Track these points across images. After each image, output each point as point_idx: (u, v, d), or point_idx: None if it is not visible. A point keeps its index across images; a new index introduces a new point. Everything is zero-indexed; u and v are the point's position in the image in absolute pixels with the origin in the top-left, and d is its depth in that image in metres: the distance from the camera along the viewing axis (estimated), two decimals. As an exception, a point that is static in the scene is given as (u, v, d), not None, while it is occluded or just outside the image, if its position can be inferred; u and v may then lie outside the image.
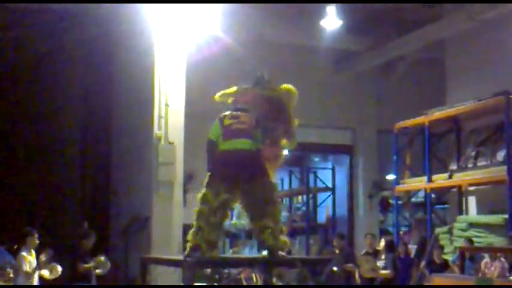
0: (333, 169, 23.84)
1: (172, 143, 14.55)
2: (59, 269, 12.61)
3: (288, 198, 30.90)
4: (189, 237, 7.68)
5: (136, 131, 15.89)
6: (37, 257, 12.54)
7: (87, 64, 17.21)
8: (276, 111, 8.53)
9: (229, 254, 19.15)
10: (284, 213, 30.01)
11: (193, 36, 14.91)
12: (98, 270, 13.20)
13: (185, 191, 16.82)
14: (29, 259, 12.30)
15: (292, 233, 26.22)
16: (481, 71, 17.87)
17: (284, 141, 8.64)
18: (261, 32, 18.52)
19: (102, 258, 13.25)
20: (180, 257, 7.76)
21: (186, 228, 15.25)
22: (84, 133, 17.57)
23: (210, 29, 15.19)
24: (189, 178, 18.28)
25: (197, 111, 17.42)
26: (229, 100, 8.72)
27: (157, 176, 14.48)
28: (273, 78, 9.01)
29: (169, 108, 14.63)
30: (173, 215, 14.56)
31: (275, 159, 8.67)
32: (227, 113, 8.19)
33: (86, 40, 16.63)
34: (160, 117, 14.57)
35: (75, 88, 17.46)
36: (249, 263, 9.10)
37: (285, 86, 8.69)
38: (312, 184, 23.94)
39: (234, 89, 8.88)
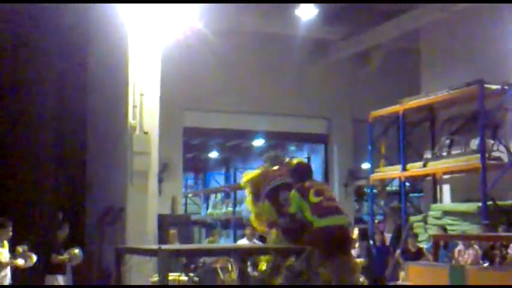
0: (308, 158, 23.91)
1: (147, 133, 14.48)
2: (34, 257, 12.54)
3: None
4: None
5: (111, 121, 15.80)
6: (10, 249, 12.44)
7: (60, 53, 17.04)
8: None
9: (205, 243, 19.17)
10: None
11: (169, 25, 14.84)
12: (72, 262, 13.16)
13: (160, 181, 16.82)
14: (1, 250, 12.20)
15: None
16: (455, 60, 17.97)
17: None
18: (236, 21, 18.49)
19: (76, 250, 13.19)
20: (155, 247, 7.74)
21: (160, 218, 15.29)
22: (58, 123, 17.41)
23: (186, 18, 15.13)
24: (164, 167, 18.29)
25: (172, 100, 17.42)
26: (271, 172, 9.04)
27: (132, 165, 14.40)
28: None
29: (144, 97, 14.55)
30: (148, 205, 14.50)
31: None
32: (307, 185, 8.43)
33: (59, 30, 16.49)
34: (134, 106, 14.49)
35: (49, 78, 17.30)
36: (224, 252, 9.10)
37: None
38: (287, 173, 23.91)
39: (257, 171, 9.51)
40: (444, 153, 17.82)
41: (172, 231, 14.51)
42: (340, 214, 8.36)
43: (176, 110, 19.02)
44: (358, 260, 13.13)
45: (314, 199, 8.30)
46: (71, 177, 17.27)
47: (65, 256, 13.01)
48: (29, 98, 16.94)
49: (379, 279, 14.26)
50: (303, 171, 8.86)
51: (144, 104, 14.58)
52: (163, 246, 7.35)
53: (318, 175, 23.31)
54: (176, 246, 10.36)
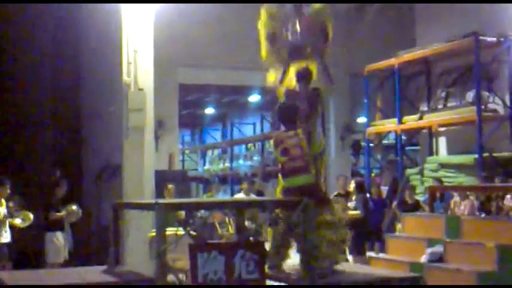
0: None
1: (142, 89, 14.45)
2: (31, 216, 12.61)
3: (260, 143, 31.06)
4: None
5: (106, 78, 15.77)
6: (7, 206, 12.51)
7: (53, 12, 16.96)
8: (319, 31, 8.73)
9: (203, 198, 19.27)
10: (256, 157, 30.24)
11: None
12: (69, 219, 13.25)
13: (157, 137, 16.83)
14: (-1, 208, 12.26)
15: (266, 177, 26.42)
16: (450, 13, 17.87)
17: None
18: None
19: (74, 207, 13.27)
20: (151, 201, 7.77)
21: (157, 174, 15.33)
22: (53, 81, 17.39)
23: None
24: (160, 124, 18.28)
25: (166, 56, 17.34)
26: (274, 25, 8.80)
27: (127, 122, 14.40)
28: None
29: (138, 54, 14.48)
30: (145, 161, 14.52)
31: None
32: (279, 139, 8.21)
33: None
34: (129, 63, 14.43)
35: (43, 37, 17.23)
36: (221, 206, 9.13)
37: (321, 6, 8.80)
38: (284, 127, 23.95)
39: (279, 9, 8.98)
40: (440, 106, 17.85)
41: (170, 186, 14.56)
42: (303, 174, 8.18)
43: (171, 66, 18.93)
44: (354, 212, 13.20)
45: (280, 158, 8.24)
46: (67, 135, 17.30)
47: (63, 213, 13.08)
48: (25, 59, 16.89)
49: (374, 231, 14.34)
50: (279, 115, 8.70)
51: (138, 60, 14.51)
52: (160, 201, 7.37)
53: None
54: (172, 200, 10.40)
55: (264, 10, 9.10)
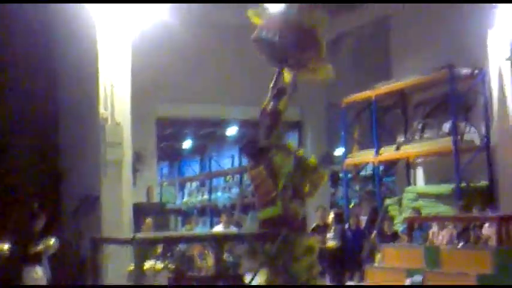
0: (283, 145, 23.89)
1: (119, 123, 14.44)
2: (5, 247, 12.48)
3: (238, 175, 31.04)
4: None
5: (83, 112, 15.74)
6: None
7: (29, 44, 16.95)
8: (305, 39, 8.67)
9: (182, 232, 19.18)
10: (235, 189, 30.21)
11: (138, 15, 14.78)
12: (47, 252, 13.12)
13: (135, 170, 16.78)
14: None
15: (244, 209, 26.37)
16: (425, 45, 18.03)
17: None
18: (206, 11, 18.45)
19: (52, 240, 13.15)
20: (129, 236, 7.75)
21: (136, 207, 15.28)
22: (30, 115, 17.32)
23: (155, 9, 15.10)
24: (138, 157, 18.23)
25: (144, 90, 17.36)
26: (257, 21, 8.86)
27: (105, 156, 14.37)
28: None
29: (115, 88, 14.49)
30: (123, 195, 14.48)
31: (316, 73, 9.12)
32: (251, 176, 8.30)
33: (26, 20, 16.37)
34: (106, 97, 14.43)
35: (19, 69, 17.19)
36: (200, 239, 9.12)
37: (313, 12, 8.80)
38: (262, 160, 23.94)
39: (265, 12, 9.35)
40: (417, 137, 17.96)
41: (148, 220, 14.50)
42: (270, 206, 8.20)
43: (148, 100, 18.95)
44: (332, 243, 13.24)
45: (254, 194, 8.40)
46: (45, 168, 17.20)
47: (41, 246, 12.96)
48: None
49: (354, 261, 14.37)
50: (244, 151, 8.85)
51: (116, 94, 14.52)
52: (138, 235, 7.36)
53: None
54: (150, 234, 10.37)
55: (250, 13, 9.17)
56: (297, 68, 9.03)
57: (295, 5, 9.08)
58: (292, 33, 8.89)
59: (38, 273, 12.89)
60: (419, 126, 18.04)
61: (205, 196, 32.35)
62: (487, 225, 13.53)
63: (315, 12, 9.09)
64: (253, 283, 7.75)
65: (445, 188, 16.35)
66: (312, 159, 8.96)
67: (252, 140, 8.77)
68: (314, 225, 13.61)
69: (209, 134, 31.50)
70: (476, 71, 16.25)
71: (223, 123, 26.34)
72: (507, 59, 15.98)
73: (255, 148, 8.59)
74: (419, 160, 18.38)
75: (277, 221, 7.82)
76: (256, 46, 9.20)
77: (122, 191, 14.47)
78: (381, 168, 19.71)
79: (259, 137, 8.67)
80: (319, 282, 8.43)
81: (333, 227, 14.05)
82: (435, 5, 17.36)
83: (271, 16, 9.12)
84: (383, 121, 19.10)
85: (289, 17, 8.97)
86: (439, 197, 16.47)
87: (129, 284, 10.40)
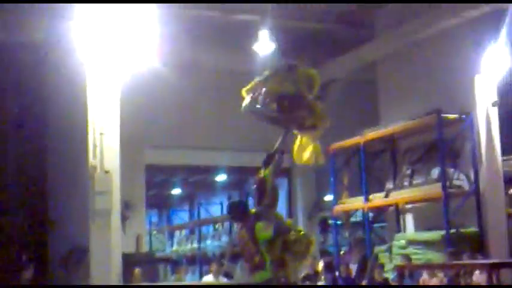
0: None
1: (108, 172, 14.39)
2: None
3: (228, 222, 30.87)
4: None
5: (71, 161, 15.70)
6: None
7: (18, 93, 16.97)
8: (296, 102, 9.07)
9: (171, 281, 19.01)
10: (224, 238, 30.01)
11: (127, 62, 14.81)
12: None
13: (124, 219, 16.68)
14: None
15: (234, 258, 26.16)
16: (413, 90, 18.14)
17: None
18: (195, 57, 18.54)
19: (40, 291, 13.03)
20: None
21: (125, 257, 15.15)
22: (18, 165, 17.26)
23: (145, 55, 15.13)
24: (126, 205, 18.15)
25: (132, 138, 17.35)
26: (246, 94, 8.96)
27: (94, 205, 14.29)
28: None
29: (104, 136, 14.47)
30: (112, 244, 14.36)
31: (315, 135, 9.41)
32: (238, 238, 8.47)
33: (17, 68, 16.41)
34: (95, 146, 14.40)
35: (8, 117, 17.18)
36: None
37: (302, 73, 8.91)
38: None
39: (252, 83, 9.55)
40: (406, 183, 17.95)
41: (136, 271, 14.37)
42: (259, 271, 8.23)
43: (137, 147, 18.94)
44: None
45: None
46: (34, 217, 17.10)
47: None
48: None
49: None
50: (230, 213, 8.92)
51: (104, 143, 14.48)
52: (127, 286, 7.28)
53: (282, 209, 23.32)
54: (139, 285, 10.27)
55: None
56: (297, 128, 9.18)
57: (280, 69, 9.27)
58: (276, 100, 9.04)
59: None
60: (408, 172, 18.04)
61: (195, 244, 32.12)
62: (477, 272, 13.48)
63: (303, 70, 9.25)
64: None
65: (435, 235, 16.30)
66: (299, 231, 8.94)
67: (236, 202, 8.88)
68: (304, 273, 13.50)
69: (198, 181, 31.44)
70: (463, 116, 16.33)
71: (212, 170, 26.31)
72: (493, 105, 16.11)
73: (239, 211, 8.64)
74: (408, 206, 18.35)
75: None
76: (252, 116, 9.38)
77: (111, 240, 14.35)
78: (371, 214, 19.66)
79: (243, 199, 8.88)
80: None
81: (323, 276, 13.93)
82: (422, 51, 17.50)
83: (255, 86, 9.28)
84: (372, 167, 19.09)
85: (269, 84, 9.13)
86: (428, 244, 16.41)
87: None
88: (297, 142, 9.52)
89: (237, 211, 8.72)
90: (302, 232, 9.07)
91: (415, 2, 16.95)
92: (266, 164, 9.05)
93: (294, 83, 9.08)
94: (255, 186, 9.10)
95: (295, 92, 9.04)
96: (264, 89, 9.13)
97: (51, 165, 17.32)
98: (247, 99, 9.31)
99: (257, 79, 9.41)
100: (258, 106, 9.15)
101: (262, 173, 9.05)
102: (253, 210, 8.84)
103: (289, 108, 9.02)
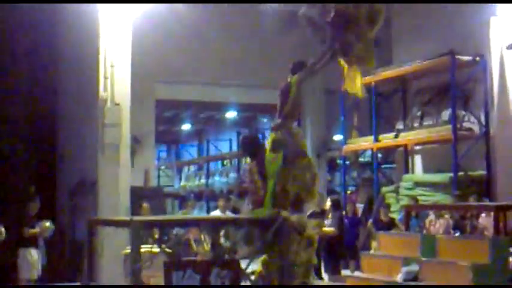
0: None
1: (118, 104, 14.37)
2: (2, 230, 12.45)
3: (236, 159, 31.02)
4: None
5: (82, 93, 15.68)
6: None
7: (31, 26, 16.89)
8: (351, 24, 8.91)
9: (179, 215, 19.14)
10: (232, 174, 30.19)
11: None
12: (43, 235, 13.10)
13: (132, 153, 16.71)
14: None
15: (241, 194, 26.31)
16: (426, 32, 17.94)
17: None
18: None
19: (48, 223, 13.11)
20: (126, 218, 7.72)
21: (133, 191, 15.24)
22: (29, 96, 17.28)
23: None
24: (136, 140, 18.18)
25: (143, 72, 17.29)
26: None
27: (103, 138, 14.31)
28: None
29: (115, 68, 14.41)
30: (120, 178, 14.43)
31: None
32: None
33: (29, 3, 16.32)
34: (105, 78, 14.35)
35: (20, 51, 17.14)
36: (196, 223, 9.09)
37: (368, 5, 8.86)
38: (260, 144, 23.93)
39: None
40: (416, 124, 17.92)
41: (145, 204, 14.45)
42: (258, 208, 8.26)
43: (148, 82, 18.88)
44: (329, 229, 13.21)
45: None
46: (42, 150, 17.18)
47: (37, 229, 12.94)
48: (0, 73, 16.80)
49: (349, 248, 14.35)
50: (242, 148, 8.88)
51: (115, 75, 14.45)
52: (135, 218, 7.34)
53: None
54: (148, 217, 10.33)
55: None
56: (341, 52, 9.02)
57: None
58: (335, 17, 8.89)
59: (33, 255, 12.90)
60: (419, 114, 17.99)
61: (203, 180, 32.34)
62: (483, 214, 13.53)
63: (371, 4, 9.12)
64: (249, 269, 7.74)
65: (442, 177, 16.33)
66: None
67: (249, 136, 8.82)
68: (311, 211, 13.52)
69: (208, 117, 31.47)
70: (477, 59, 16.18)
71: (222, 106, 26.30)
72: (508, 48, 15.93)
73: (252, 145, 8.61)
74: (417, 148, 18.34)
75: (268, 222, 7.84)
76: (303, 22, 9.24)
77: (120, 174, 14.42)
78: (379, 155, 19.67)
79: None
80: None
81: (330, 214, 13.99)
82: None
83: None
84: (382, 108, 19.04)
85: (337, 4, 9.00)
86: (436, 186, 16.45)
87: (125, 268, 10.39)
88: (345, 71, 9.37)
89: (249, 145, 8.69)
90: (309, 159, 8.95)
91: None
92: (293, 71, 8.94)
93: (356, 8, 8.96)
94: (279, 93, 8.97)
95: (353, 14, 8.91)
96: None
97: (61, 96, 17.34)
98: (306, 7, 9.16)
99: None
100: (314, 12, 9.01)
101: (289, 78, 8.94)
102: (273, 124, 8.80)
103: (342, 27, 8.89)
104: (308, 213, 12.85)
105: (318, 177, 8.93)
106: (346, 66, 9.32)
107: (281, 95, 8.88)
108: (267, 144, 8.80)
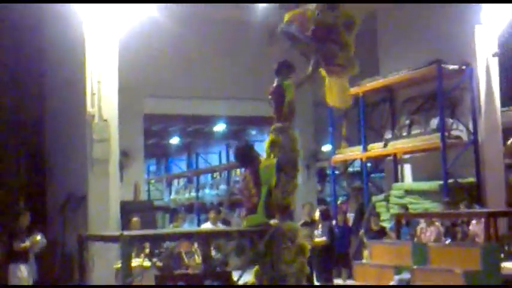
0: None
1: (106, 120, 14.37)
2: (38, 238, 12.42)
3: (226, 172, 31.02)
4: None
5: (70, 108, 15.66)
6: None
7: (16, 42, 16.88)
8: (331, 34, 9.07)
9: (169, 229, 19.11)
10: (222, 186, 30.19)
11: (126, 11, 14.71)
12: (34, 249, 13.03)
13: (122, 168, 16.71)
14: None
15: (232, 206, 26.34)
16: (413, 41, 18.02)
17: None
18: (194, 6, 18.37)
19: (38, 236, 13.05)
20: (116, 233, 7.70)
21: (123, 205, 15.22)
22: (17, 112, 17.26)
23: (144, 5, 15.04)
24: (125, 154, 18.16)
25: (131, 87, 17.28)
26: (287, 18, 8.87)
27: (92, 153, 14.31)
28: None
29: (102, 84, 14.41)
30: (110, 192, 14.43)
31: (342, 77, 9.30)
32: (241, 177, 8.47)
33: (14, 17, 16.30)
34: (93, 94, 14.36)
35: (5, 67, 17.11)
36: (187, 236, 9.08)
37: (344, 12, 8.89)
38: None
39: (295, 11, 9.37)
40: (404, 133, 17.95)
41: (135, 218, 14.42)
42: (252, 214, 8.25)
43: (135, 96, 18.87)
44: (319, 240, 13.22)
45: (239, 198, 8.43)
46: (32, 165, 17.14)
47: (27, 243, 12.87)
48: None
49: (341, 257, 14.37)
50: (235, 156, 8.87)
51: (103, 91, 14.45)
52: (125, 232, 7.31)
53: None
54: (138, 232, 10.31)
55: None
56: (324, 63, 9.04)
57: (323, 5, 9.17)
58: (313, 28, 8.92)
59: (23, 271, 12.81)
60: (407, 122, 18.03)
61: (193, 193, 32.32)
62: (474, 221, 13.56)
63: (346, 11, 9.18)
64: (242, 281, 7.73)
65: (432, 185, 16.37)
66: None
67: (243, 145, 8.79)
68: (301, 221, 13.54)
69: (196, 130, 31.45)
70: (463, 67, 16.25)
71: (211, 119, 26.29)
72: (493, 55, 16.03)
73: (246, 154, 8.59)
74: (406, 156, 18.38)
75: (262, 229, 7.83)
76: (284, 38, 9.28)
77: (109, 188, 14.41)
78: (369, 164, 19.70)
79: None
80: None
81: (320, 224, 14.02)
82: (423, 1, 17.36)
83: (297, 13, 9.19)
84: (370, 117, 19.08)
85: (310, 11, 9.03)
86: (426, 194, 16.48)
87: (116, 283, 10.36)
88: (327, 84, 9.40)
89: (243, 154, 8.67)
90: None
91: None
92: (278, 72, 8.96)
93: (334, 18, 9.01)
94: (270, 96, 8.97)
95: (333, 25, 8.96)
96: (302, 14, 9.06)
97: (49, 113, 17.31)
98: (285, 21, 9.20)
99: (300, 8, 9.34)
100: (294, 28, 9.05)
101: (276, 80, 8.95)
102: (273, 126, 8.81)
103: (323, 38, 8.92)
104: (300, 223, 12.90)
105: (296, 188, 8.91)
106: (326, 77, 9.36)
107: (273, 97, 8.88)
108: (265, 145, 8.81)
